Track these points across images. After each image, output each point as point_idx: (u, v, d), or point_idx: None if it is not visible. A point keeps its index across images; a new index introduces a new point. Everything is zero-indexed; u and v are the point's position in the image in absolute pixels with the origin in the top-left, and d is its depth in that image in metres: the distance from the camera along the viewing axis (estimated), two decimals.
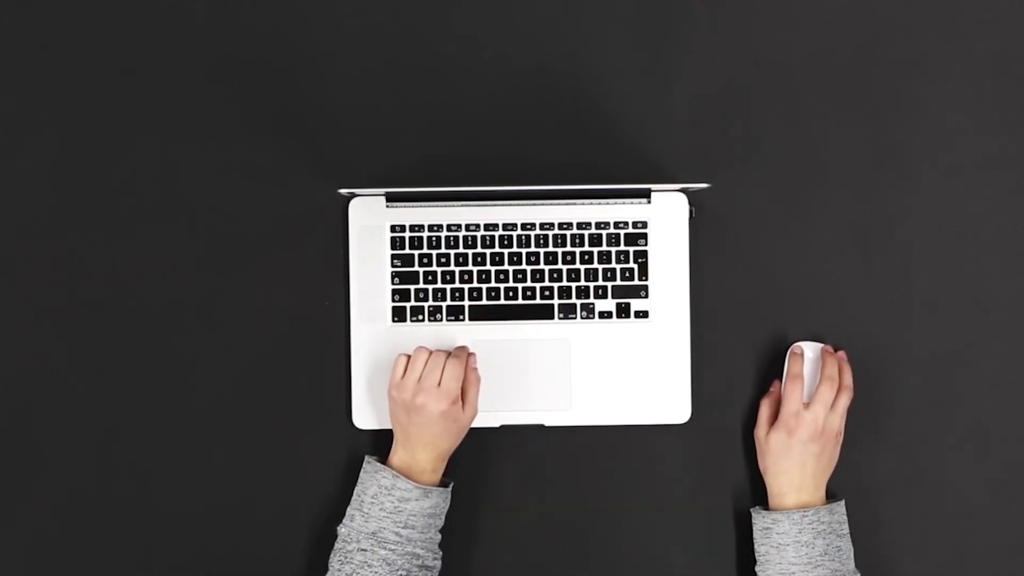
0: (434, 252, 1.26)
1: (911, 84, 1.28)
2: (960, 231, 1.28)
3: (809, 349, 1.24)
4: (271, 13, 1.28)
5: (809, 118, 1.28)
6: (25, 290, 1.27)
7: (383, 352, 1.25)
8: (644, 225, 1.26)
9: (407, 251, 1.26)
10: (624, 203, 1.26)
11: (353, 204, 1.26)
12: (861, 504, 1.26)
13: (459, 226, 1.26)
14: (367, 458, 1.20)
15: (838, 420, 1.20)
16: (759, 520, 1.20)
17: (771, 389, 1.25)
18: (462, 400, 1.19)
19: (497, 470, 1.27)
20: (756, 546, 1.20)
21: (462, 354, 1.20)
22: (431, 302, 1.26)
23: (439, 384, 1.17)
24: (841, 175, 1.28)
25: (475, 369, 1.22)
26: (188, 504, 1.27)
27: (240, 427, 1.27)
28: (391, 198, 1.25)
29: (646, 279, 1.26)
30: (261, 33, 1.28)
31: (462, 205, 1.26)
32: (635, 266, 1.26)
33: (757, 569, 1.20)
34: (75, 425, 1.27)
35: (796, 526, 1.17)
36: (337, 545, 1.18)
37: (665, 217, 1.26)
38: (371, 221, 1.26)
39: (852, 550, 1.20)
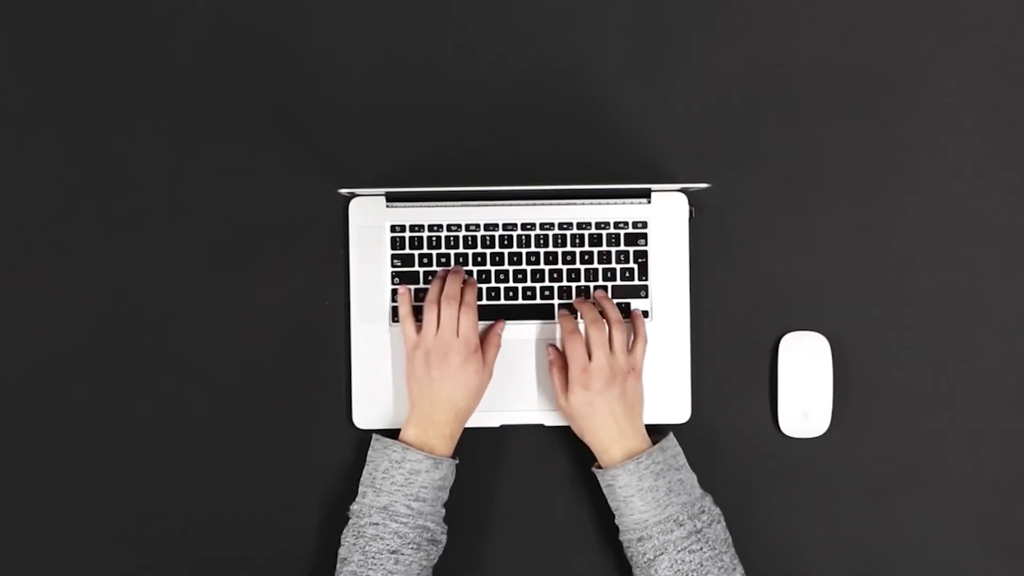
0: (434, 252, 1.26)
1: (911, 84, 1.28)
2: (960, 231, 1.28)
3: (805, 338, 1.25)
4: (271, 13, 1.28)
5: (809, 118, 1.28)
6: (25, 290, 1.27)
7: (383, 352, 1.25)
8: (644, 225, 1.26)
9: (407, 251, 1.26)
10: (624, 203, 1.26)
11: (353, 204, 1.26)
12: (861, 504, 1.26)
13: (459, 226, 1.26)
14: (375, 436, 1.20)
15: (622, 356, 1.20)
16: (601, 479, 1.20)
17: (550, 359, 1.24)
18: (482, 356, 1.20)
19: (497, 470, 1.27)
20: (609, 502, 1.20)
21: (471, 300, 1.21)
22: None
23: (458, 335, 1.19)
24: (841, 175, 1.28)
25: (499, 335, 1.23)
26: (188, 504, 1.27)
27: (240, 427, 1.27)
28: (391, 198, 1.25)
29: (646, 279, 1.26)
30: (261, 33, 1.28)
31: (462, 205, 1.26)
32: (635, 266, 1.26)
33: (616, 522, 1.20)
34: (75, 425, 1.27)
35: (634, 475, 1.17)
36: (350, 521, 1.18)
37: (665, 217, 1.26)
38: (371, 221, 1.26)
39: (695, 476, 1.20)
